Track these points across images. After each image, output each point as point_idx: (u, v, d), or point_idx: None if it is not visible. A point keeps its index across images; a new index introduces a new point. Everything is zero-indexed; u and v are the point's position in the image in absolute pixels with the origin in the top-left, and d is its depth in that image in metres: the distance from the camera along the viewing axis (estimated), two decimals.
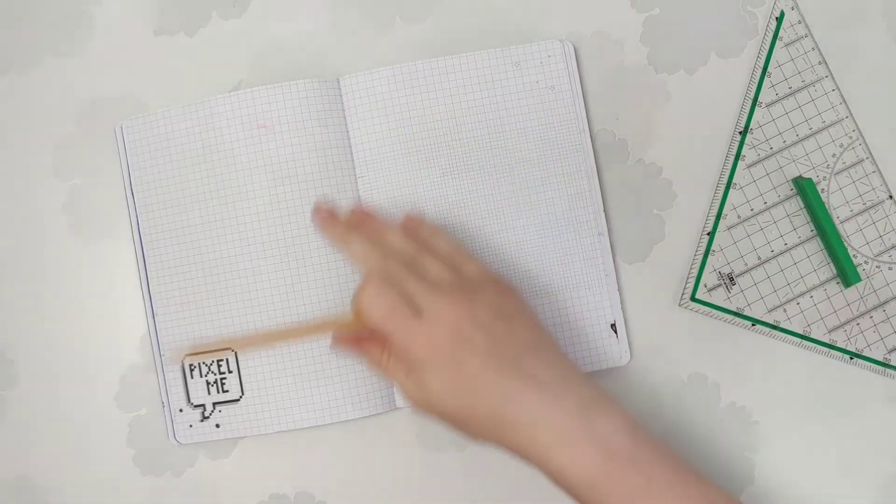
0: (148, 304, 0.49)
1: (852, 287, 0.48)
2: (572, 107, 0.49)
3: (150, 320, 0.49)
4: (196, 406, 0.48)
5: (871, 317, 0.48)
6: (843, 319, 0.48)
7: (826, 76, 0.49)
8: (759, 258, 0.49)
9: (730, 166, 0.49)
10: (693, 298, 0.48)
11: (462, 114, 0.49)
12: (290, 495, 0.49)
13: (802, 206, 0.49)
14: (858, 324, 0.48)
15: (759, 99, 0.49)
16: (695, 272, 0.49)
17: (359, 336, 0.43)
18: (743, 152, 0.49)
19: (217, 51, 0.51)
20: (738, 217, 0.49)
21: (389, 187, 0.49)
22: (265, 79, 0.50)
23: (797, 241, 0.49)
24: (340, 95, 0.49)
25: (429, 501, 0.49)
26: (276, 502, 0.49)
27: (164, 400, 0.49)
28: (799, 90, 0.49)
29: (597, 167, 0.49)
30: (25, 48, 0.51)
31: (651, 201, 0.50)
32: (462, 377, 0.39)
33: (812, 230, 0.49)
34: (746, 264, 0.49)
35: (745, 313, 0.48)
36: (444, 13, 0.51)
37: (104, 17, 0.51)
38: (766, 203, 0.49)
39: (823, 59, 0.49)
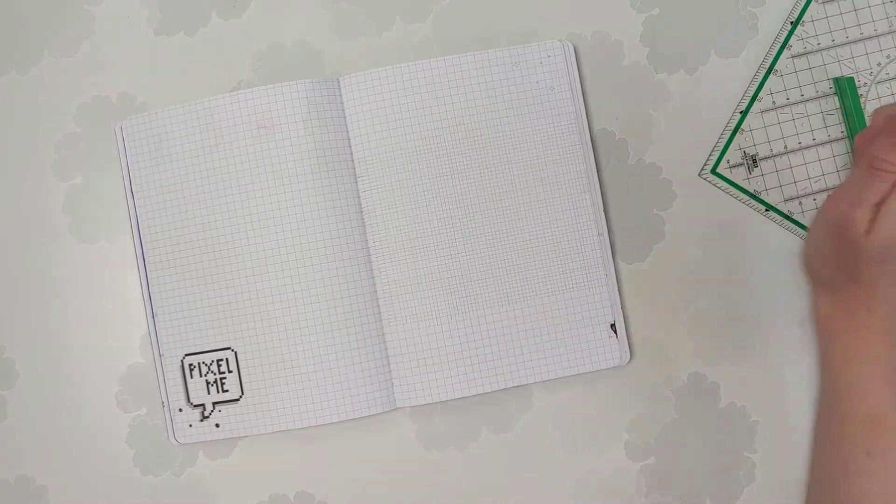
0: (148, 304, 0.49)
1: None
2: (572, 107, 0.49)
3: (150, 320, 0.49)
4: (196, 406, 0.48)
5: None
6: None
7: None
8: (786, 147, 0.49)
9: (774, 52, 0.49)
10: (714, 171, 0.49)
11: (462, 114, 0.49)
12: (290, 495, 0.49)
13: (838, 106, 0.49)
14: None
15: None
16: (720, 146, 0.49)
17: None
18: (790, 42, 0.49)
19: (217, 51, 0.51)
20: (773, 103, 0.49)
21: (389, 187, 0.49)
22: (265, 79, 0.50)
23: (826, 138, 0.49)
24: (340, 95, 0.49)
25: (429, 501, 0.49)
26: (276, 502, 0.49)
27: (164, 400, 0.49)
28: None
29: (597, 167, 0.49)
30: (25, 48, 0.51)
31: (651, 201, 0.50)
32: None
33: (843, 131, 0.49)
34: (772, 150, 0.49)
35: (760, 197, 0.49)
36: (444, 13, 0.51)
37: (104, 16, 0.51)
38: (803, 95, 0.49)
39: None
